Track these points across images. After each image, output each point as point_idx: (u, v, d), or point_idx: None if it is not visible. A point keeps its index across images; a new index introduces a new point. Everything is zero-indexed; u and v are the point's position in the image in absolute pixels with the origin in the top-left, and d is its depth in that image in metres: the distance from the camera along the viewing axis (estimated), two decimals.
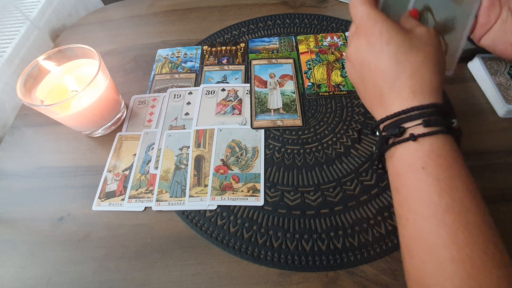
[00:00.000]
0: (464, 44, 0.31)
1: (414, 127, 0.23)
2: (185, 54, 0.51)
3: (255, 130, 0.41)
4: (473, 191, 0.21)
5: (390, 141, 0.25)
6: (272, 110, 0.42)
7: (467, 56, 0.43)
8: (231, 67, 0.48)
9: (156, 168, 0.39)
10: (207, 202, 0.36)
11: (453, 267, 0.20)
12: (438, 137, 0.23)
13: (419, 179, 0.22)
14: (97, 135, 0.43)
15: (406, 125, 0.24)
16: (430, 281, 0.21)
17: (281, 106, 0.43)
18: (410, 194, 0.23)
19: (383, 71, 0.25)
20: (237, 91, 0.45)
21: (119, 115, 0.43)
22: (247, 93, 0.44)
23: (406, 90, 0.24)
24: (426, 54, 0.24)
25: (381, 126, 0.26)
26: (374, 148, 0.27)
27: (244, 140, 0.40)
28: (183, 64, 0.50)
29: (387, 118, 0.25)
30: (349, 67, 0.29)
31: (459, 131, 0.24)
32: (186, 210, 0.36)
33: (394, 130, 0.24)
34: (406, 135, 0.23)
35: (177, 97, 0.45)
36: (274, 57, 0.48)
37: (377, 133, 0.27)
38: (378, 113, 0.27)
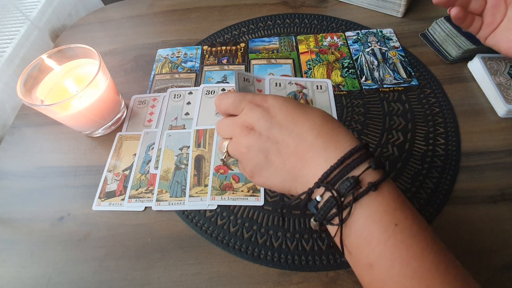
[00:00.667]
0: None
1: (365, 172, 0.20)
2: (185, 54, 0.51)
3: None
4: (435, 238, 0.19)
5: (346, 201, 0.20)
6: None
7: (467, 56, 0.43)
8: (231, 67, 0.48)
9: (156, 168, 0.39)
10: (207, 202, 0.36)
11: None
12: (390, 182, 0.20)
13: (395, 243, 0.18)
14: (97, 135, 0.43)
15: (355, 172, 0.20)
16: None
17: None
18: (391, 265, 0.19)
19: (297, 123, 0.23)
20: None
21: (119, 115, 0.43)
22: None
23: (333, 136, 0.22)
24: (318, 113, 0.24)
25: (317, 191, 0.21)
26: (313, 221, 0.22)
27: None
28: (183, 64, 0.50)
29: (332, 168, 0.20)
30: (252, 140, 0.24)
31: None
32: (186, 210, 0.36)
33: (347, 181, 0.19)
34: (364, 185, 0.19)
35: (177, 97, 0.45)
36: (274, 57, 0.49)
37: (318, 198, 0.21)
38: (310, 174, 0.22)
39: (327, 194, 0.20)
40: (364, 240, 0.19)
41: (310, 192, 0.21)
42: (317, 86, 0.44)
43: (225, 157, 0.27)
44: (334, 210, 0.20)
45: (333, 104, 0.42)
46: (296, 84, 0.44)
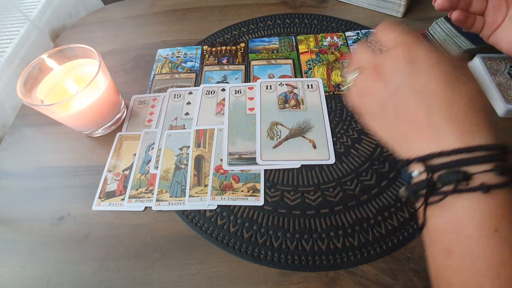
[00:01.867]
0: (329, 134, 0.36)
1: (482, 173, 0.18)
2: (185, 54, 0.51)
3: None
4: None
5: (444, 188, 0.19)
6: None
7: (467, 56, 0.43)
8: (231, 67, 0.48)
9: (156, 168, 0.39)
10: (207, 202, 0.36)
11: None
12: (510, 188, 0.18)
13: (489, 244, 0.17)
14: (97, 135, 0.43)
15: (470, 169, 0.18)
16: None
17: None
18: (475, 260, 0.18)
19: (433, 93, 0.20)
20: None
21: (119, 115, 0.43)
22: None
23: (466, 122, 0.19)
24: (475, 83, 0.20)
25: (415, 166, 0.21)
26: (403, 191, 0.22)
27: None
28: (183, 64, 0.50)
29: (441, 154, 0.19)
30: (377, 89, 0.23)
31: None
32: (186, 210, 0.36)
33: (454, 174, 0.18)
34: (475, 183, 0.18)
35: (177, 97, 0.45)
36: (274, 57, 0.49)
37: (415, 173, 0.20)
38: (417, 147, 0.21)
39: (424, 175, 0.20)
40: (452, 230, 0.19)
41: (407, 163, 0.21)
42: (308, 85, 0.44)
43: (345, 87, 0.27)
44: (424, 191, 0.19)
45: (324, 102, 0.42)
46: (287, 84, 0.44)
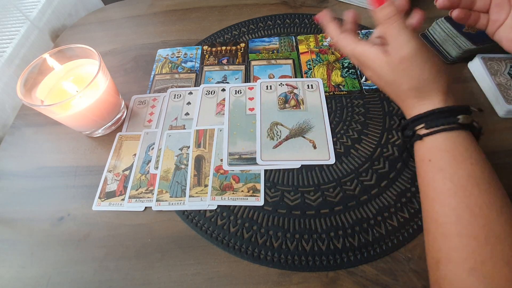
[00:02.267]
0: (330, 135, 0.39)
1: (419, 129, 0.27)
2: (185, 54, 0.51)
3: None
4: (476, 178, 0.24)
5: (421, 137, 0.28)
6: None
7: (467, 56, 0.43)
8: (231, 67, 0.48)
9: (156, 168, 0.39)
10: (207, 202, 0.36)
11: (459, 241, 0.23)
12: (441, 135, 0.26)
13: (426, 169, 0.26)
14: (97, 135, 0.43)
15: (417, 127, 0.27)
16: (440, 254, 0.24)
17: None
18: (422, 181, 0.27)
19: (406, 71, 0.27)
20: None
21: (119, 115, 0.43)
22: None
23: (439, 95, 0.27)
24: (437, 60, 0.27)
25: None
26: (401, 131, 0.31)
27: None
28: (183, 64, 0.50)
29: (407, 122, 0.28)
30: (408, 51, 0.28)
31: (471, 125, 0.27)
32: (186, 210, 0.36)
33: (408, 132, 0.28)
34: (418, 133, 0.27)
35: (177, 97, 0.45)
36: (274, 57, 0.49)
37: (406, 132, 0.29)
38: (414, 107, 0.28)
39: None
40: (416, 163, 0.28)
41: (412, 120, 0.28)
42: (308, 85, 0.44)
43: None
44: (421, 126, 0.27)
45: (324, 102, 0.42)
46: (287, 85, 0.44)
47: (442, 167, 0.25)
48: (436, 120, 0.26)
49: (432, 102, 0.27)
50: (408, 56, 0.26)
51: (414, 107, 0.28)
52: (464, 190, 0.24)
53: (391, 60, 0.27)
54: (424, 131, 0.27)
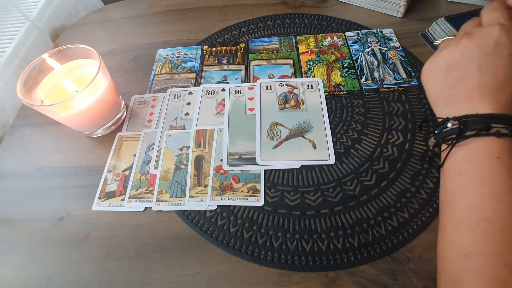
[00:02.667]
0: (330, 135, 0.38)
1: (500, 127, 0.26)
2: (185, 54, 0.51)
3: None
4: None
5: (469, 133, 0.27)
6: None
7: None
8: (231, 67, 0.48)
9: (156, 168, 0.39)
10: (207, 202, 0.36)
11: (501, 237, 0.23)
12: None
13: (491, 165, 0.25)
14: (97, 135, 0.43)
15: (493, 125, 0.26)
16: (474, 248, 0.23)
17: None
18: (478, 176, 0.25)
19: (493, 74, 0.27)
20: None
21: (119, 115, 0.43)
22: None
23: (507, 99, 0.27)
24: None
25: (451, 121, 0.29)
26: (433, 139, 0.31)
27: None
28: (183, 64, 0.50)
29: (477, 116, 0.27)
30: (456, 50, 0.29)
31: None
32: (186, 210, 0.36)
33: (479, 125, 0.26)
34: (492, 130, 0.26)
35: (177, 97, 0.45)
36: (274, 57, 0.49)
37: (449, 125, 0.29)
38: (459, 109, 0.28)
39: (456, 125, 0.28)
40: (467, 158, 0.26)
41: (446, 120, 0.28)
42: (308, 85, 0.44)
43: (437, 42, 0.32)
44: (453, 136, 0.27)
45: (324, 102, 0.42)
46: (287, 85, 0.44)
47: (509, 166, 0.25)
48: None
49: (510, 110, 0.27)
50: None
51: (498, 107, 0.27)
52: None
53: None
54: (505, 131, 0.26)
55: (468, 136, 0.27)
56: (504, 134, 0.25)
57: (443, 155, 0.29)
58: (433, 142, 0.30)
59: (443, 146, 0.29)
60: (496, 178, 0.25)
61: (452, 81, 0.29)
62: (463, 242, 0.24)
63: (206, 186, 0.37)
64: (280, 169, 0.37)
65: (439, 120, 0.30)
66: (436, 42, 0.32)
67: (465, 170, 0.26)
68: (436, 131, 0.30)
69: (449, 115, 0.29)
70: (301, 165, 0.37)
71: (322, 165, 0.37)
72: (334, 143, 0.39)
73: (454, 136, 0.27)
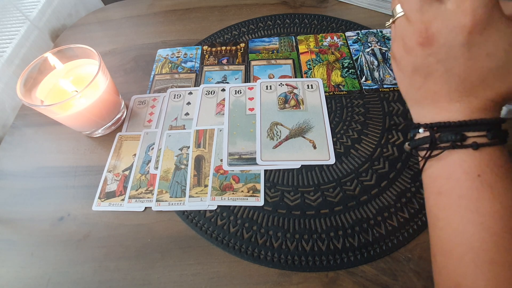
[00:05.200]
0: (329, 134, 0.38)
1: (476, 137, 0.22)
2: (185, 54, 0.51)
3: None
4: None
5: (443, 144, 0.23)
6: None
7: None
8: (231, 67, 0.48)
9: (156, 168, 0.39)
10: (207, 202, 0.36)
11: (491, 269, 0.20)
12: (497, 147, 0.22)
13: (472, 185, 0.22)
14: (97, 135, 0.43)
15: (469, 133, 0.22)
16: (464, 280, 0.21)
17: None
18: (458, 198, 0.22)
19: (462, 79, 0.22)
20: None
21: (119, 115, 0.43)
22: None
23: (481, 103, 0.22)
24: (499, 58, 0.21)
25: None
26: (407, 145, 0.26)
27: None
28: (183, 64, 0.50)
29: (447, 124, 0.23)
30: (417, 52, 0.23)
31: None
32: (186, 210, 0.36)
33: (452, 135, 0.22)
34: (468, 142, 0.22)
35: (177, 97, 0.45)
36: (274, 57, 0.48)
37: (421, 130, 0.24)
38: (429, 113, 0.24)
39: (427, 133, 0.24)
40: (444, 176, 0.23)
41: (418, 126, 0.25)
42: (308, 85, 0.44)
43: (388, 24, 0.26)
44: (426, 145, 0.24)
45: (324, 102, 0.42)
46: (287, 85, 0.44)
47: (492, 185, 0.21)
48: (499, 130, 0.22)
49: (495, 111, 0.23)
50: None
51: (471, 113, 0.22)
52: (511, 214, 0.21)
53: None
54: (482, 140, 0.22)
55: (443, 147, 0.23)
56: (483, 144, 0.22)
57: (420, 165, 0.25)
58: (408, 148, 0.26)
59: (419, 156, 0.26)
60: (479, 200, 0.21)
61: (418, 82, 0.24)
62: (453, 271, 0.22)
63: (206, 186, 0.37)
64: (280, 169, 0.37)
65: (410, 123, 0.26)
66: (388, 24, 0.26)
67: (444, 190, 0.23)
68: (410, 134, 0.26)
69: (421, 117, 0.25)
70: (301, 165, 0.37)
71: (322, 165, 0.37)
72: (334, 143, 0.39)
73: (427, 146, 0.24)
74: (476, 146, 0.22)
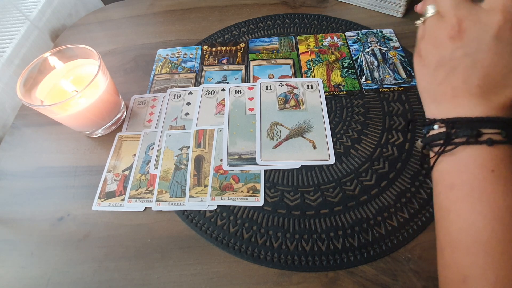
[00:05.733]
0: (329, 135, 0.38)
1: (491, 134, 0.23)
2: (185, 54, 0.51)
3: None
4: None
5: (458, 139, 0.24)
6: None
7: None
8: (231, 67, 0.48)
9: (156, 168, 0.39)
10: (207, 202, 0.36)
11: (501, 260, 0.20)
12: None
13: (485, 179, 0.22)
14: (97, 135, 0.43)
15: (484, 130, 0.23)
16: (472, 271, 0.21)
17: None
18: (471, 191, 0.23)
19: (486, 74, 0.23)
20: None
21: (119, 115, 0.43)
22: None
23: (499, 101, 0.23)
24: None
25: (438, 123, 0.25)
26: (420, 141, 0.27)
27: None
28: (183, 64, 0.50)
29: (466, 119, 0.23)
30: (446, 46, 0.24)
31: None
32: (186, 210, 0.36)
33: (469, 131, 0.23)
34: (483, 138, 0.23)
35: (177, 97, 0.45)
36: (274, 57, 0.48)
37: (435, 127, 0.25)
38: (446, 109, 0.25)
39: (443, 129, 0.24)
40: (457, 169, 0.24)
41: (433, 121, 0.25)
42: (307, 85, 0.44)
43: (418, 23, 0.28)
44: (440, 141, 0.24)
45: (323, 102, 0.42)
46: (287, 85, 0.44)
47: (506, 180, 0.22)
48: None
49: (504, 112, 0.23)
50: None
51: (488, 110, 0.23)
52: None
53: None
54: (497, 138, 0.23)
55: (457, 143, 0.24)
56: (497, 142, 0.22)
57: (431, 161, 0.26)
58: (420, 145, 0.27)
59: (432, 152, 0.26)
60: (492, 193, 0.22)
61: (441, 77, 0.25)
62: (461, 263, 0.22)
63: (206, 186, 0.37)
64: (280, 169, 0.37)
65: (427, 120, 0.27)
66: (417, 22, 0.28)
67: (456, 184, 0.24)
68: (423, 131, 0.27)
69: (436, 114, 0.26)
70: (301, 165, 0.37)
71: (322, 165, 0.37)
72: (334, 143, 0.39)
73: (441, 142, 0.24)
74: (491, 143, 0.22)
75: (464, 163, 0.23)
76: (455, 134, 0.23)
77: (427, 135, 0.26)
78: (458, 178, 0.23)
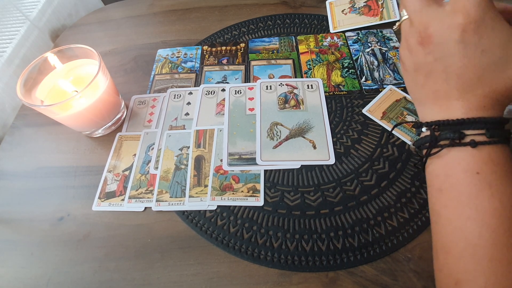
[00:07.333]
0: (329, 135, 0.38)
1: (475, 135, 0.23)
2: (185, 54, 0.51)
3: None
4: None
5: (442, 142, 0.24)
6: None
7: None
8: (231, 67, 0.48)
9: (156, 168, 0.39)
10: (207, 202, 0.36)
11: (490, 266, 0.21)
12: (497, 146, 0.22)
13: (471, 183, 0.22)
14: (97, 135, 0.43)
15: (467, 131, 0.23)
16: (464, 276, 0.22)
17: None
18: (458, 195, 0.23)
19: (460, 75, 0.23)
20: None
21: (119, 115, 0.43)
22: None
23: (475, 97, 0.23)
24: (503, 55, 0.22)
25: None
26: (412, 145, 0.27)
27: None
28: (183, 64, 0.50)
29: (446, 122, 0.24)
30: (417, 52, 0.24)
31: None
32: (186, 210, 0.36)
33: (451, 133, 0.23)
34: (466, 140, 0.23)
35: (177, 97, 0.45)
36: (274, 57, 0.48)
37: (424, 130, 0.25)
38: (430, 112, 0.25)
39: (429, 131, 0.25)
40: (444, 173, 0.24)
41: (420, 124, 0.26)
42: (308, 85, 0.44)
43: (395, 28, 0.28)
44: (427, 144, 0.25)
45: (324, 102, 0.42)
46: (287, 85, 0.44)
47: (492, 182, 0.22)
48: (499, 129, 0.23)
49: (497, 110, 0.23)
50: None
51: (471, 111, 0.23)
52: (509, 211, 0.21)
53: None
54: (481, 138, 0.22)
55: (442, 145, 0.24)
56: (481, 143, 0.22)
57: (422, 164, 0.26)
58: (413, 147, 0.27)
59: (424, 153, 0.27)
60: (478, 197, 0.22)
61: (421, 81, 0.25)
62: (453, 268, 0.22)
63: (206, 186, 0.37)
64: (280, 169, 0.37)
65: (418, 122, 0.27)
66: (395, 28, 0.28)
67: (444, 188, 0.24)
68: (416, 134, 0.27)
69: (423, 116, 0.26)
70: (301, 165, 0.37)
71: (322, 165, 0.37)
72: (334, 143, 0.39)
73: (428, 144, 0.25)
74: (474, 144, 0.22)
75: (450, 166, 0.24)
76: (439, 137, 0.24)
77: (418, 138, 0.26)
78: (446, 182, 0.24)
